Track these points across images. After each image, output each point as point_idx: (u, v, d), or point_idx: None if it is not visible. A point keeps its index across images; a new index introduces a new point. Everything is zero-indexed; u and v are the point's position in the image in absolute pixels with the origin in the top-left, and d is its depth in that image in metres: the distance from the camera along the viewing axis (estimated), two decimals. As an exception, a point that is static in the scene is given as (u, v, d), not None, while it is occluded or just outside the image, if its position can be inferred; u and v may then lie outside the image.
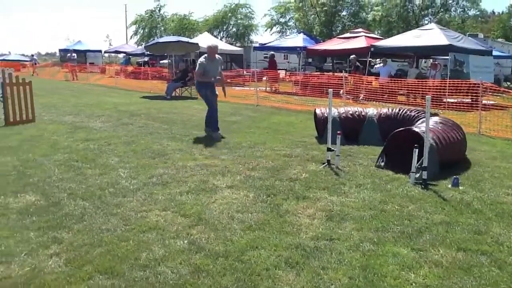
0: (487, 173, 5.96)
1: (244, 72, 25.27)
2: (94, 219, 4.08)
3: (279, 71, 22.88)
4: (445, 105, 12.53)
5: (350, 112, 7.95)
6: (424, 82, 14.17)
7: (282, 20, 47.63)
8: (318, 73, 25.40)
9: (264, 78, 20.28)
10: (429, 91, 12.41)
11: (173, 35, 37.81)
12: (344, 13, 44.20)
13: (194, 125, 9.27)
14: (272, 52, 23.40)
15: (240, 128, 9.35)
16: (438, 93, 13.08)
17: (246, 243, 3.60)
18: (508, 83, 27.62)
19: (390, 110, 7.88)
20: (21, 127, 8.97)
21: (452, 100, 13.15)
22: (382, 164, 6.08)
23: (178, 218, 4.14)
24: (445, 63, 17.52)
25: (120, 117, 10.61)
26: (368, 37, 20.36)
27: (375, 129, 7.62)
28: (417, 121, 7.01)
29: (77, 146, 7.17)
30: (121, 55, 46.81)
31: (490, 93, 12.67)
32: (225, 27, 49.89)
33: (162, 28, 52.52)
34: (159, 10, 53.36)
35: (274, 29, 48.32)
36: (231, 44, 40.88)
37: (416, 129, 5.97)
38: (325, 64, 35.02)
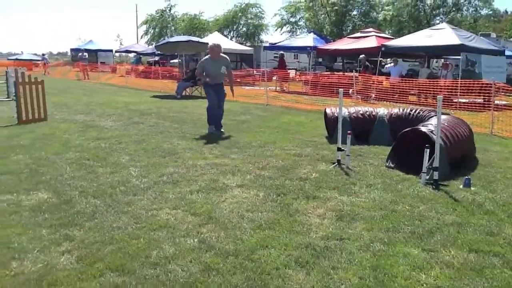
0: (499, 174, 5.90)
1: (254, 71, 25.28)
2: (105, 217, 4.11)
3: (289, 71, 22.86)
4: (456, 105, 12.43)
5: (361, 112, 7.92)
6: (435, 82, 14.08)
7: (292, 19, 47.54)
8: (328, 72, 25.29)
9: (274, 78, 20.29)
10: (440, 91, 12.33)
11: (183, 35, 37.95)
12: (354, 12, 44.02)
13: (204, 124, 9.27)
14: (282, 52, 23.38)
15: (250, 127, 9.36)
16: (450, 93, 12.99)
17: (256, 242, 3.61)
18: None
19: (401, 110, 7.84)
20: (34, 125, 9.06)
21: (464, 100, 13.05)
22: (392, 165, 6.04)
23: (189, 217, 4.16)
24: (457, 63, 17.39)
25: (131, 116, 10.68)
26: (379, 36, 20.25)
27: (385, 129, 7.58)
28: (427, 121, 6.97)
29: (89, 145, 7.23)
30: (131, 55, 47.11)
31: (503, 93, 12.54)
32: (235, 26, 49.94)
33: (173, 28, 52.70)
34: (170, 10, 53.58)
35: (284, 28, 48.28)
36: (241, 43, 40.89)
37: (424, 129, 5.92)
38: (335, 63, 34.89)
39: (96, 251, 3.42)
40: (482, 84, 12.58)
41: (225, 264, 3.23)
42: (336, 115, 7.23)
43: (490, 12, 41.12)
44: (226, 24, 49.05)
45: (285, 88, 20.19)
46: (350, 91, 14.79)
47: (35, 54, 47.40)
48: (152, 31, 54.30)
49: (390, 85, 15.97)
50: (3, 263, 3.21)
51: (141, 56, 41.06)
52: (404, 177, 5.59)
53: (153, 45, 39.74)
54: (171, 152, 6.77)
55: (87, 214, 4.19)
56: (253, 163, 6.16)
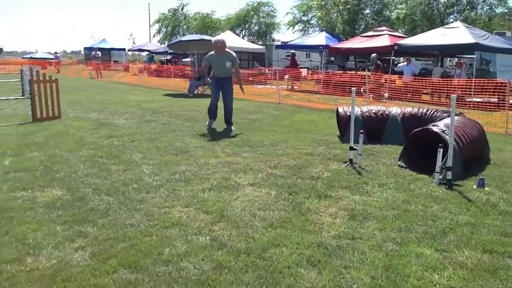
0: (514, 174, 5.83)
1: (266, 70, 25.26)
2: (118, 214, 4.15)
3: (300, 70, 22.82)
4: (470, 104, 12.31)
5: (374, 111, 7.87)
6: (449, 81, 13.94)
7: (304, 18, 47.29)
8: (341, 71, 25.20)
9: (286, 77, 20.27)
10: (454, 91, 12.22)
11: (195, 34, 38.04)
12: (367, 11, 43.67)
13: (216, 122, 9.32)
14: (293, 51, 23.34)
15: (262, 126, 9.36)
16: (464, 92, 12.87)
17: (267, 241, 3.61)
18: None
19: (415, 109, 7.77)
20: (48, 123, 9.16)
21: (478, 100, 12.91)
22: (404, 165, 6.00)
23: (201, 215, 4.18)
24: (471, 62, 17.20)
25: (144, 114, 10.75)
26: (392, 35, 20.12)
27: (398, 128, 7.53)
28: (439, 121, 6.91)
29: (102, 143, 7.29)
30: (144, 53, 47.34)
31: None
32: (247, 25, 49.87)
33: (185, 27, 52.82)
34: (182, 9, 53.68)
35: (296, 27, 48.06)
36: (253, 42, 40.87)
37: (435, 129, 5.87)
38: (348, 62, 34.74)
39: (109, 248, 3.45)
40: (497, 83, 12.43)
41: (237, 262, 3.24)
42: (349, 114, 7.20)
43: (506, 11, 40.47)
44: (238, 23, 49.03)
45: (296, 87, 20.16)
46: (362, 89, 14.71)
47: (49, 53, 47.80)
48: (164, 30, 54.47)
49: (403, 84, 15.86)
50: (19, 258, 3.26)
51: (153, 55, 41.26)
52: (417, 176, 5.55)
53: (166, 44, 39.87)
54: (183, 150, 6.81)
55: (100, 211, 4.23)
56: (265, 162, 6.17)
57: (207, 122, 9.06)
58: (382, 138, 7.58)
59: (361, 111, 7.78)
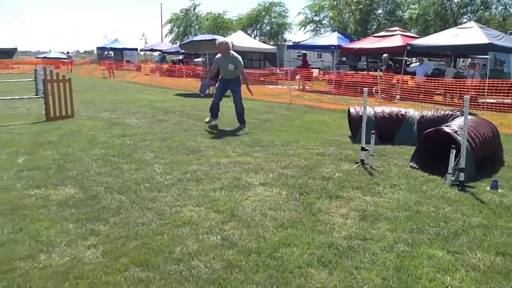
0: (528, 176, 5.76)
1: (277, 70, 25.25)
2: (130, 213, 4.18)
3: (312, 70, 22.77)
4: (483, 105, 12.18)
5: (386, 111, 7.82)
6: (462, 82, 13.81)
7: (316, 18, 47.18)
8: (352, 72, 25.10)
9: (297, 77, 20.25)
10: (467, 92, 12.10)
11: (207, 34, 38.15)
12: (379, 11, 43.41)
13: (227, 122, 9.35)
14: (304, 51, 23.28)
15: (273, 126, 9.36)
16: (477, 93, 12.74)
17: (278, 241, 3.61)
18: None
19: (432, 112, 7.66)
20: (61, 122, 9.25)
21: (491, 101, 12.76)
22: (416, 166, 5.96)
23: (212, 214, 4.19)
24: (485, 62, 17.01)
25: (155, 114, 10.80)
26: (404, 35, 19.94)
27: (413, 130, 7.46)
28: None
29: (114, 142, 7.34)
30: (156, 53, 47.57)
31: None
32: (259, 25, 49.95)
33: (197, 27, 53.05)
34: (194, 9, 53.95)
35: (308, 27, 47.94)
36: (265, 42, 40.89)
37: (447, 129, 5.81)
38: (359, 63, 34.58)
39: (121, 246, 3.48)
40: (511, 84, 12.29)
41: (248, 262, 3.25)
42: (360, 114, 7.16)
43: (520, 11, 40.04)
44: (250, 23, 49.11)
45: (307, 87, 20.12)
46: (374, 89, 14.64)
47: (62, 53, 48.27)
48: (176, 30, 54.77)
49: (415, 84, 15.75)
50: (32, 255, 3.30)
51: (165, 54, 41.45)
52: (429, 178, 5.51)
53: (178, 44, 40.04)
54: (194, 150, 6.83)
55: (112, 209, 4.26)
56: (276, 162, 6.17)
57: (207, 119, 9.19)
58: (394, 139, 7.53)
59: (374, 111, 7.73)
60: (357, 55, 30.73)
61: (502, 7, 39.17)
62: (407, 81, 16.07)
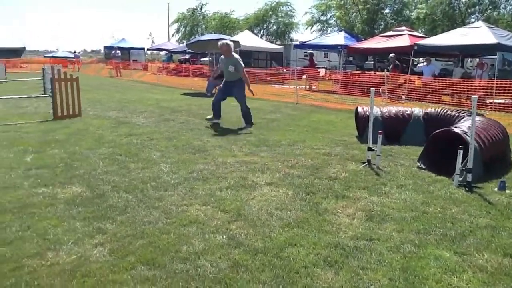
0: (536, 177, 5.72)
1: (284, 70, 25.23)
2: (136, 212, 4.20)
3: (318, 69, 22.74)
4: (491, 106, 12.11)
5: (393, 111, 7.79)
6: (469, 82, 13.73)
7: (323, 18, 47.11)
8: (359, 71, 25.01)
9: (304, 76, 20.22)
10: (475, 92, 12.03)
11: (214, 33, 38.20)
12: (386, 10, 43.25)
13: (233, 122, 9.35)
14: (311, 51, 23.23)
15: (280, 126, 9.35)
16: (485, 93, 12.66)
17: (284, 240, 3.61)
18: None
19: (437, 110, 7.65)
20: (68, 121, 9.30)
21: (499, 101, 12.68)
22: (423, 166, 5.94)
23: (218, 213, 4.20)
24: (493, 62, 16.90)
25: (162, 113, 10.84)
26: (412, 35, 19.85)
27: (420, 129, 7.43)
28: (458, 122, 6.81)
29: (121, 141, 7.37)
30: (163, 53, 47.69)
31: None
32: (265, 25, 49.97)
33: (204, 26, 53.16)
34: (201, 9, 54.10)
35: (315, 27, 47.87)
36: (271, 42, 40.89)
37: (457, 130, 5.79)
38: (366, 62, 34.46)
39: (128, 245, 3.49)
40: (520, 84, 12.20)
41: (254, 261, 3.25)
42: (368, 114, 7.14)
43: (529, 10, 39.72)
44: (257, 23, 49.14)
45: (314, 87, 20.10)
46: (381, 89, 14.59)
47: (69, 52, 48.50)
48: (183, 30, 54.94)
49: (423, 84, 15.68)
50: (40, 253, 3.32)
51: (172, 54, 41.55)
52: (436, 178, 5.49)
53: (184, 43, 40.13)
54: (201, 149, 6.84)
55: (119, 208, 4.28)
56: (282, 162, 6.16)
57: (209, 116, 9.35)
58: (401, 139, 7.51)
59: (380, 111, 7.71)
60: (364, 55, 30.62)
61: (510, 7, 38.89)
62: (414, 81, 16.00)
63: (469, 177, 5.08)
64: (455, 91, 14.48)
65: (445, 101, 13.83)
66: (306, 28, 50.23)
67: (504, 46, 14.82)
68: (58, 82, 9.66)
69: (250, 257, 3.31)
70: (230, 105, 10.01)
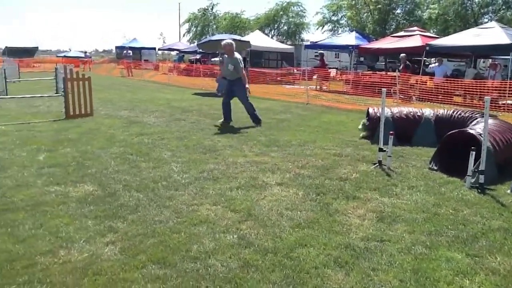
0: (550, 179, 5.64)
1: (295, 70, 25.20)
2: (147, 211, 4.22)
3: (329, 70, 22.67)
4: (504, 107, 11.97)
5: (404, 112, 7.75)
6: (482, 83, 13.60)
7: (334, 18, 46.93)
8: (370, 72, 24.90)
9: (315, 77, 20.17)
10: (487, 93, 11.91)
11: (225, 33, 38.27)
12: (398, 11, 42.94)
13: (244, 122, 9.36)
14: (322, 51, 23.16)
15: (290, 126, 9.34)
16: (498, 94, 12.53)
17: (295, 241, 3.61)
18: None
19: (449, 111, 7.59)
20: (80, 120, 9.38)
21: (512, 102, 12.54)
22: (435, 167, 5.89)
23: (228, 213, 4.20)
24: (506, 63, 16.72)
25: (173, 113, 10.88)
26: (423, 35, 19.69)
27: (431, 130, 7.38)
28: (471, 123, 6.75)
29: (132, 140, 7.42)
30: (174, 53, 47.88)
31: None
32: (276, 25, 49.94)
33: (214, 26, 53.27)
34: (212, 9, 54.21)
35: (326, 27, 47.69)
36: (282, 42, 40.85)
37: (471, 131, 5.74)
38: (377, 63, 34.30)
39: (139, 243, 3.52)
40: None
41: (264, 261, 3.25)
42: (379, 115, 7.10)
43: (543, 10, 39.20)
44: (267, 23, 49.12)
45: (325, 88, 20.04)
46: (392, 90, 14.51)
47: (81, 52, 48.91)
48: (194, 30, 55.12)
49: (434, 85, 15.56)
50: (52, 251, 3.36)
51: (183, 54, 41.68)
52: (448, 179, 5.45)
53: (195, 43, 40.26)
54: (211, 149, 6.86)
55: (130, 207, 4.31)
56: (293, 162, 6.16)
57: (220, 121, 9.42)
58: (413, 140, 7.46)
59: (391, 112, 7.67)
60: (375, 55, 30.48)
61: (524, 7, 38.41)
62: (426, 82, 15.87)
63: (482, 178, 5.03)
64: (467, 92, 14.34)
65: (457, 102, 13.71)
66: (317, 28, 50.04)
67: (518, 46, 14.63)
68: (70, 82, 9.75)
69: (260, 257, 3.31)
70: (240, 106, 10.00)
